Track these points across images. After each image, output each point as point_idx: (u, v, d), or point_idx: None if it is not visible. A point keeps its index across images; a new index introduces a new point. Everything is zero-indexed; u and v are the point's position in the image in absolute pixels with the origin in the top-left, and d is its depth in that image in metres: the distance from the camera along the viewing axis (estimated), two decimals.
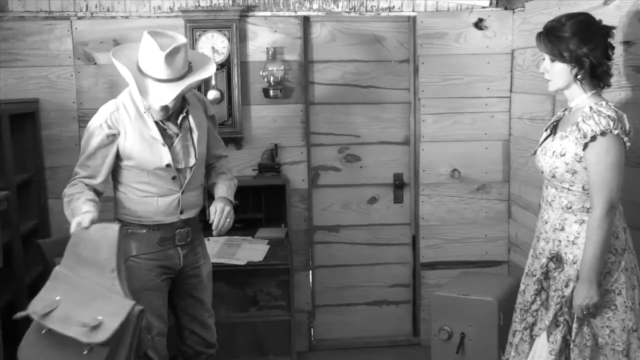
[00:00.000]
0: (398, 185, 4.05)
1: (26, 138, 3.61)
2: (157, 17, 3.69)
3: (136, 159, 2.51)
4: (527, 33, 3.65)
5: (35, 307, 2.12)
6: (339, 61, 3.93)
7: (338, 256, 4.08)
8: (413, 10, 3.86)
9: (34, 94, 3.68)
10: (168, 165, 2.52)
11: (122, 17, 3.70)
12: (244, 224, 3.82)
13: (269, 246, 3.57)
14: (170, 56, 2.35)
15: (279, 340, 3.52)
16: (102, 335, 2.01)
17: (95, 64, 3.71)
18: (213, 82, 3.69)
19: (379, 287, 4.13)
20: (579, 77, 2.31)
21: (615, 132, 2.20)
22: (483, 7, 3.84)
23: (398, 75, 3.98)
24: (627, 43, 2.70)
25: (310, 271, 4.03)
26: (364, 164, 4.03)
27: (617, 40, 2.73)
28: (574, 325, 2.32)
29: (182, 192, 2.60)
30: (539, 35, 2.38)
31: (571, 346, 2.33)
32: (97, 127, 2.50)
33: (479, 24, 3.86)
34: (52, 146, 3.72)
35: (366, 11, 3.85)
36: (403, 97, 4.01)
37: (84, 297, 2.10)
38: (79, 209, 2.33)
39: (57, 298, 2.12)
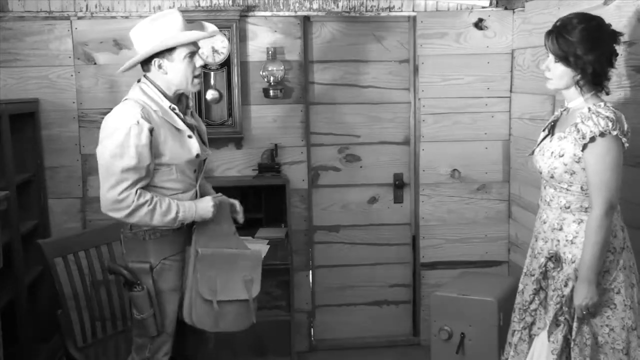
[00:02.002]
0: (398, 185, 4.05)
1: (26, 138, 3.61)
2: None
3: (168, 154, 2.45)
4: (527, 33, 3.65)
5: (203, 290, 2.48)
6: (339, 61, 3.93)
7: (338, 256, 4.08)
8: (413, 10, 3.86)
9: (34, 94, 3.68)
10: (197, 156, 2.52)
11: (122, 17, 3.70)
12: (244, 224, 3.82)
13: (269, 246, 3.57)
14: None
15: (279, 340, 3.52)
16: (256, 289, 2.61)
17: (95, 64, 3.71)
18: (212, 82, 3.69)
19: (379, 287, 4.13)
20: (580, 82, 2.32)
21: (614, 133, 2.21)
22: (483, 7, 3.84)
23: (398, 75, 3.98)
24: (627, 43, 2.70)
25: (310, 271, 4.03)
26: (364, 164, 4.03)
27: None
28: (574, 325, 2.32)
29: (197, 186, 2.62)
30: (549, 33, 2.36)
31: (571, 345, 2.33)
32: (134, 124, 2.34)
33: (479, 24, 3.86)
34: (52, 146, 3.72)
35: (366, 11, 3.85)
36: (403, 97, 4.01)
37: (230, 264, 2.57)
38: (183, 204, 2.47)
39: (213, 274, 2.51)
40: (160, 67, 2.47)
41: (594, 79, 2.31)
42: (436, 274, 4.01)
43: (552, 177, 2.37)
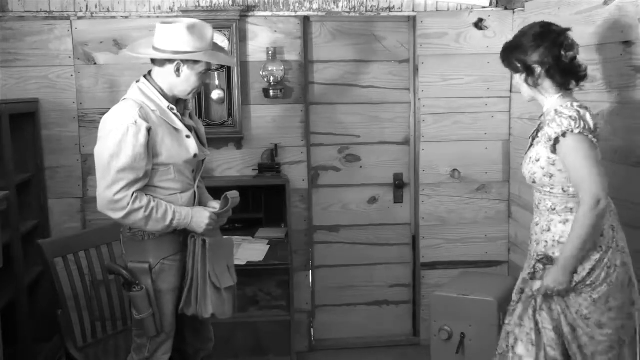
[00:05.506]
0: (398, 185, 4.05)
1: (26, 138, 3.61)
2: (157, 17, 3.69)
3: (166, 153, 2.44)
4: None
5: (215, 279, 2.54)
6: (339, 61, 3.93)
7: (338, 256, 4.08)
8: (413, 10, 3.86)
9: (34, 94, 3.68)
10: (195, 156, 2.52)
11: (122, 17, 3.70)
12: (244, 224, 3.83)
13: (269, 246, 3.57)
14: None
15: (279, 340, 3.52)
16: (234, 277, 2.66)
17: (95, 64, 3.71)
18: (217, 82, 3.69)
19: (379, 287, 4.13)
20: (530, 83, 2.40)
21: (576, 131, 2.24)
22: (483, 7, 3.84)
23: (398, 75, 3.98)
24: (627, 43, 2.70)
25: (310, 271, 4.03)
26: (364, 164, 4.03)
27: (617, 40, 2.74)
28: (538, 307, 2.38)
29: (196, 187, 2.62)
30: (500, 56, 2.49)
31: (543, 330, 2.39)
32: (132, 124, 2.34)
33: (479, 24, 3.86)
34: (52, 146, 3.72)
35: (366, 11, 3.85)
36: (403, 97, 4.01)
37: (221, 250, 2.61)
38: (180, 211, 2.47)
39: (215, 262, 2.55)
40: (178, 70, 2.46)
41: (550, 76, 2.36)
42: (436, 274, 4.01)
43: (533, 182, 2.43)
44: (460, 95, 3.90)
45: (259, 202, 3.89)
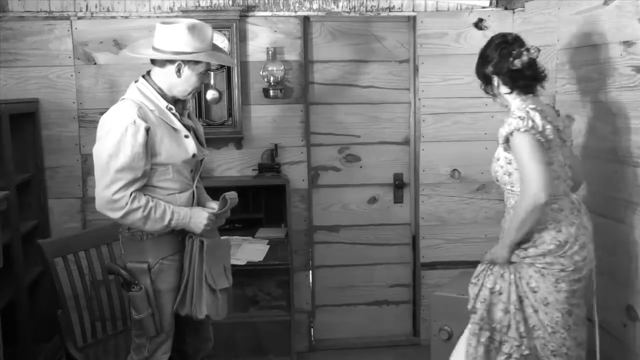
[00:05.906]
0: (398, 185, 4.06)
1: (26, 138, 3.61)
2: (157, 17, 3.69)
3: (165, 153, 2.44)
4: (527, 33, 3.65)
5: (210, 280, 2.54)
6: (339, 61, 3.93)
7: (338, 256, 4.08)
8: (413, 10, 3.86)
9: (34, 94, 3.68)
10: (194, 156, 2.52)
11: (122, 17, 3.70)
12: (244, 224, 3.83)
13: (269, 246, 3.58)
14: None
15: (279, 340, 3.52)
16: (230, 279, 2.65)
17: (95, 64, 3.71)
18: (212, 82, 3.69)
19: (379, 287, 4.13)
20: (489, 92, 2.60)
21: (523, 129, 2.37)
22: (483, 7, 3.84)
23: (398, 75, 3.98)
24: (627, 43, 2.70)
25: (310, 271, 4.03)
26: (363, 164, 4.04)
27: (617, 40, 2.74)
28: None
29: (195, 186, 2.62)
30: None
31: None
32: (130, 124, 2.34)
33: (479, 24, 3.86)
34: (52, 146, 3.73)
35: (366, 11, 3.85)
36: (403, 97, 4.01)
37: (219, 251, 2.62)
38: (179, 211, 2.47)
39: (212, 263, 2.55)
40: (179, 70, 2.47)
41: (505, 85, 2.53)
42: (436, 274, 4.01)
43: (497, 180, 2.58)
44: (460, 95, 3.90)
45: (259, 202, 3.89)
